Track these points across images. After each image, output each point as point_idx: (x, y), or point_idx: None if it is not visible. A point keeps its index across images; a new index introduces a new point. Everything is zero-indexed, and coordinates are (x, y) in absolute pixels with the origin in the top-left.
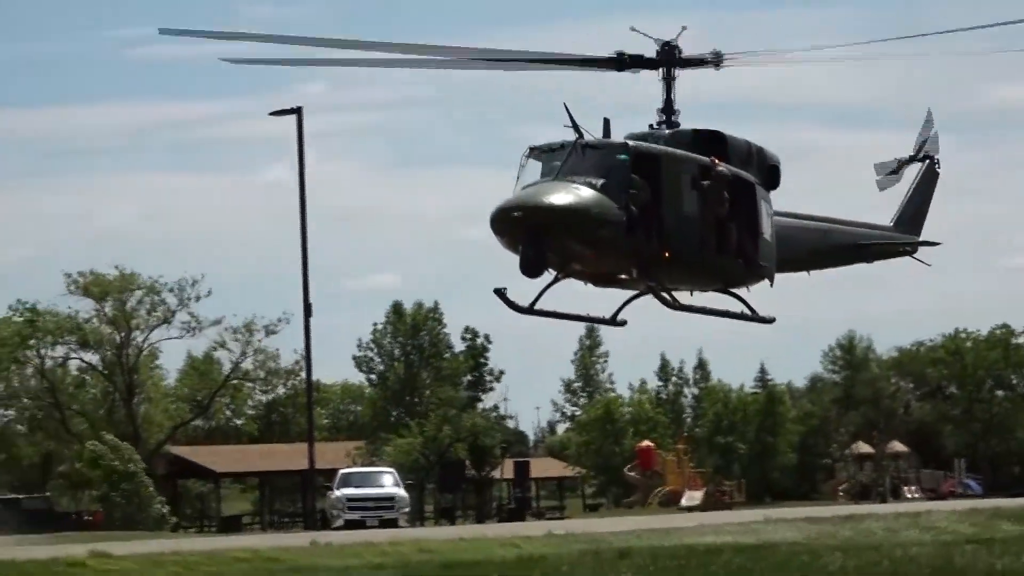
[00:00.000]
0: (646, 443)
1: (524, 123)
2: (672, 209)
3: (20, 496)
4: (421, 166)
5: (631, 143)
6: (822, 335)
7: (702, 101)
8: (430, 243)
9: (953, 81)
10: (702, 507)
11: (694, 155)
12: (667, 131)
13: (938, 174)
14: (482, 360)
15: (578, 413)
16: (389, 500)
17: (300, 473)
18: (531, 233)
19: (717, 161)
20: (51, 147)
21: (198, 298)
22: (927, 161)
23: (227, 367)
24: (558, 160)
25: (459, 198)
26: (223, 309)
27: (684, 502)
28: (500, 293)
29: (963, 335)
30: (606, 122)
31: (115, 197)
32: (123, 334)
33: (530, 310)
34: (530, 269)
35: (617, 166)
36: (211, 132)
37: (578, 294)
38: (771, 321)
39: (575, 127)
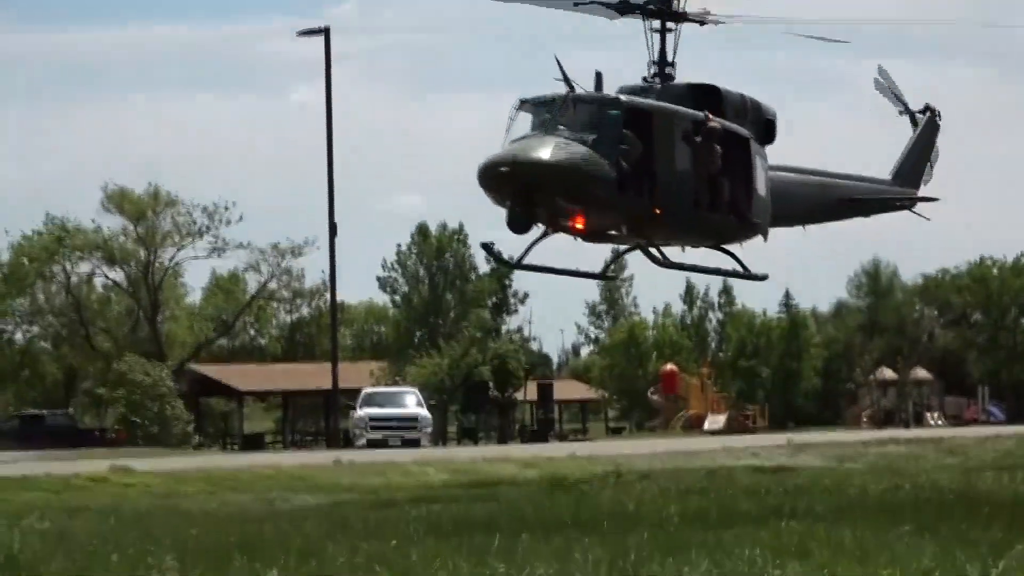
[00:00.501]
0: (670, 367)
1: (551, 47)
2: (664, 165)
3: (43, 413)
4: (448, 88)
5: (622, 98)
6: (847, 261)
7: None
8: (456, 165)
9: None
10: (725, 431)
11: (686, 110)
12: (660, 84)
13: (939, 126)
14: (506, 283)
15: (602, 336)
16: (412, 420)
17: (323, 393)
18: (519, 189)
19: (710, 116)
20: (81, 67)
21: (228, 222)
22: (928, 113)
23: (252, 287)
24: (548, 113)
25: (486, 120)
26: (250, 232)
27: (707, 426)
28: (487, 247)
29: (988, 262)
30: (598, 76)
31: (143, 117)
32: (150, 252)
33: (518, 265)
34: (517, 225)
35: (608, 121)
36: (239, 52)
37: (569, 246)
38: (763, 278)
39: (566, 80)
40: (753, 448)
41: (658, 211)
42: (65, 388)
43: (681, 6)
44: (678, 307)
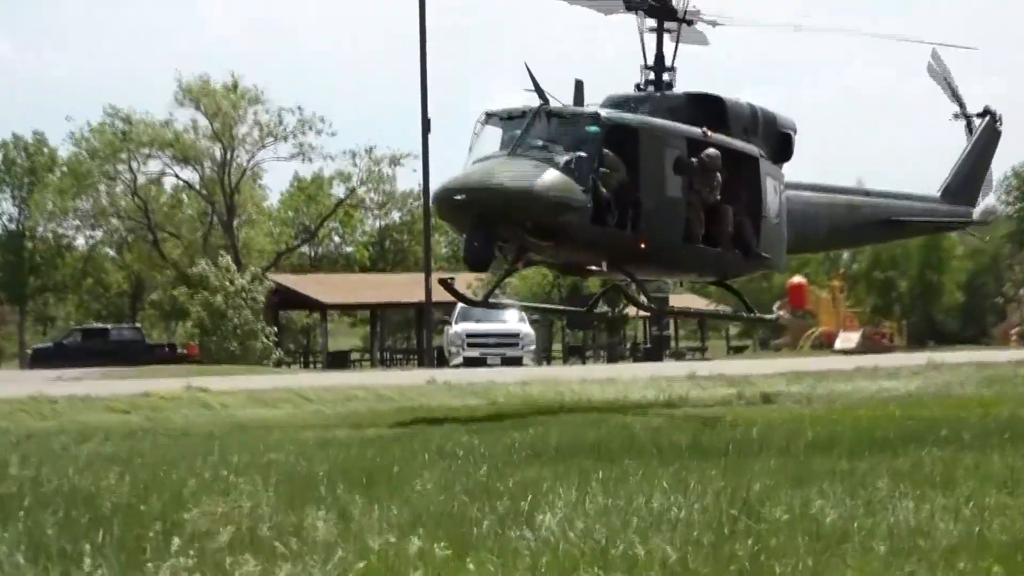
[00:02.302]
0: (798, 279)
1: None
2: (651, 191)
3: (108, 326)
4: None
5: (603, 112)
6: (995, 164)
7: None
8: (554, 59)
9: None
10: (859, 350)
11: (680, 126)
12: (655, 94)
13: (999, 133)
14: None
15: None
16: (513, 336)
17: (415, 306)
18: (479, 221)
19: (709, 132)
20: None
21: (319, 132)
22: (987, 117)
23: (339, 193)
24: (517, 129)
25: (581, 17)
26: (338, 145)
27: (839, 344)
28: (447, 285)
29: None
30: (578, 84)
31: (223, 8)
32: (227, 150)
33: (484, 303)
34: (476, 262)
35: (585, 139)
36: None
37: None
38: (772, 321)
39: (538, 91)
40: (890, 369)
41: (643, 245)
42: (131, 299)
43: (685, 5)
44: None
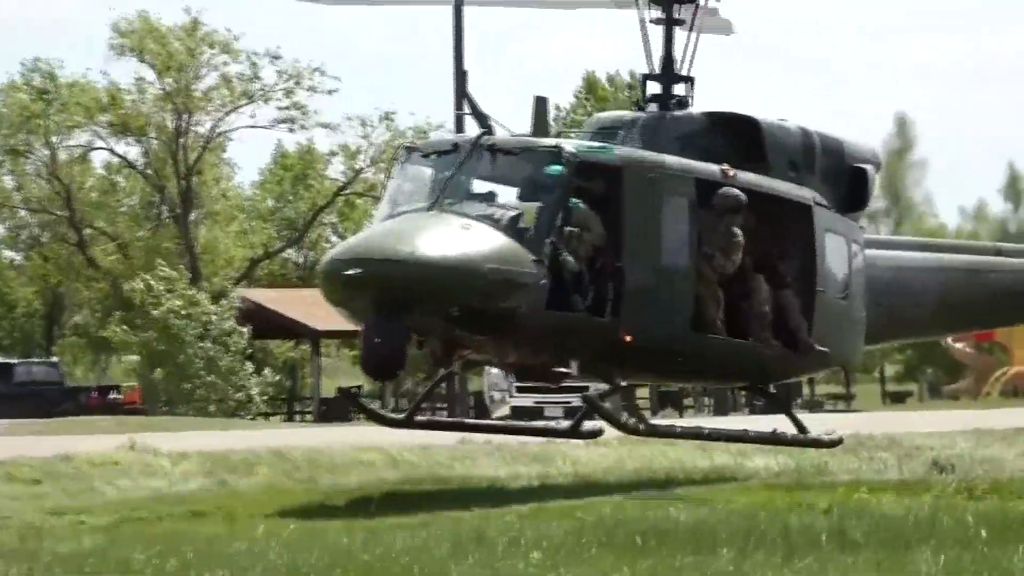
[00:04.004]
0: None
1: None
2: (641, 257)
3: (13, 361)
4: None
5: (569, 145)
6: None
7: None
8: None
9: None
10: None
11: (687, 162)
12: (659, 115)
13: None
14: None
15: None
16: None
17: None
18: (380, 307)
19: (732, 171)
20: None
21: (312, 89)
22: None
23: (339, 172)
24: (446, 171)
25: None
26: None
27: None
28: (350, 396)
29: None
30: (539, 103)
31: None
32: (183, 117)
33: (408, 422)
34: (378, 366)
35: (543, 185)
36: None
37: None
38: (832, 445)
39: (475, 112)
40: None
41: (628, 337)
42: (46, 323)
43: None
44: (997, 205)
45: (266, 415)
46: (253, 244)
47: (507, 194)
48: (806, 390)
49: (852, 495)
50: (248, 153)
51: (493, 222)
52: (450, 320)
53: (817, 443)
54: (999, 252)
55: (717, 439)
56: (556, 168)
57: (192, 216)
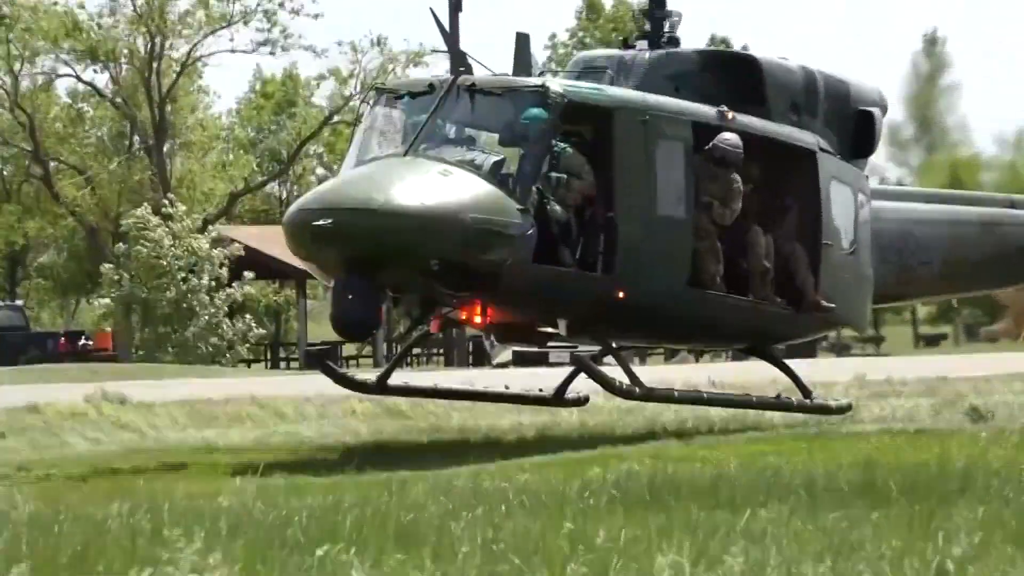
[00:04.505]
0: None
1: None
2: (635, 207)
3: None
4: None
5: (556, 85)
6: None
7: None
8: None
9: None
10: None
11: (683, 103)
12: (648, 53)
13: None
14: None
15: (905, 179)
16: None
17: None
18: (353, 262)
19: (731, 113)
20: None
21: (296, 11)
22: None
23: (326, 100)
24: (422, 114)
25: None
26: (327, 25)
27: None
28: (326, 367)
29: None
30: (521, 40)
31: None
32: (154, 39)
33: (380, 387)
34: (350, 324)
35: (527, 128)
36: None
37: None
38: (840, 412)
39: (452, 50)
40: None
41: (622, 294)
42: (9, 264)
43: None
44: None
45: (248, 362)
46: (233, 177)
47: (488, 138)
48: (832, 332)
49: (881, 445)
50: (226, 80)
51: (474, 168)
52: (428, 275)
53: (824, 410)
54: (1012, 204)
55: (718, 404)
56: (541, 110)
57: (166, 147)
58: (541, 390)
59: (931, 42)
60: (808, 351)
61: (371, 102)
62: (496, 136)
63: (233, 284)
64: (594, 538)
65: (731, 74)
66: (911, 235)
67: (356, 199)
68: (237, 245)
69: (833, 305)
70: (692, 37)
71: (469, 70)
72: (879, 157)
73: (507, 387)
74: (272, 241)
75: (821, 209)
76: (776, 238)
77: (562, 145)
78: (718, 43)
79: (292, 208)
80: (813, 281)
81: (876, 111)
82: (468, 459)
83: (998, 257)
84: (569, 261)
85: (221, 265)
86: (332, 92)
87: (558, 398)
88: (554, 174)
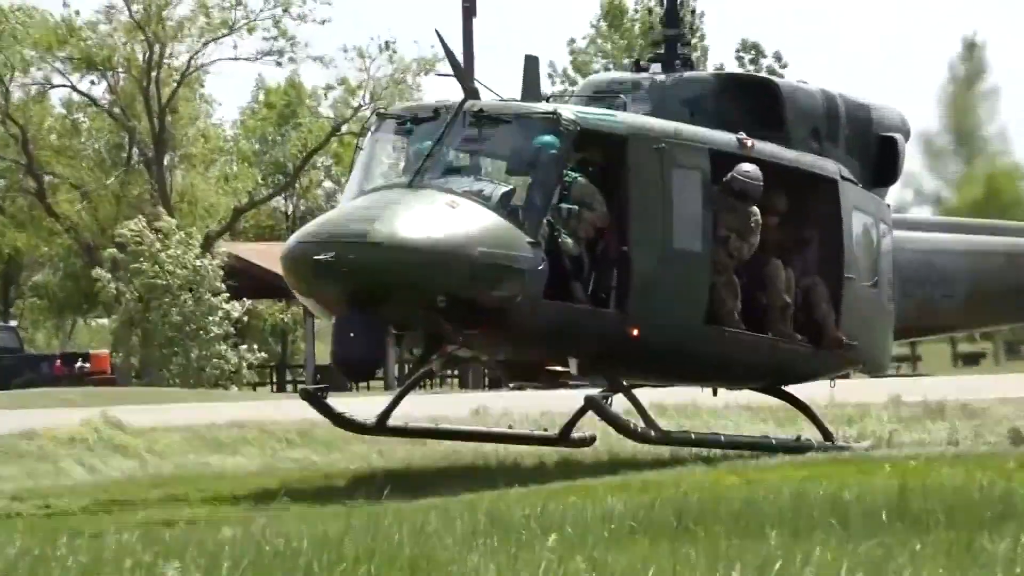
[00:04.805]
0: None
1: None
2: (650, 240)
3: None
4: None
5: (567, 111)
6: None
7: None
8: None
9: None
10: None
11: (700, 131)
12: (663, 76)
13: None
14: None
15: (941, 192)
16: None
17: None
18: (356, 298)
19: (749, 140)
20: None
21: (302, 18)
22: None
23: (331, 110)
24: (427, 141)
25: None
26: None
27: None
28: (311, 396)
29: None
30: (530, 62)
31: None
32: (152, 47)
33: (379, 428)
34: (354, 364)
35: (538, 157)
36: None
37: None
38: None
39: (458, 74)
40: None
41: (636, 331)
42: (2, 284)
43: None
44: None
45: (253, 385)
46: (236, 191)
47: (496, 167)
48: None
49: (918, 469)
50: (229, 90)
51: (482, 199)
52: (435, 311)
53: (847, 452)
54: None
55: (738, 447)
56: (552, 138)
57: (166, 160)
58: (546, 430)
59: (970, 46)
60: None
61: (372, 128)
62: (505, 165)
63: (232, 302)
64: (616, 569)
65: (749, 98)
66: (933, 266)
67: (359, 232)
68: (225, 250)
69: (855, 343)
70: (721, 41)
71: (476, 95)
72: (914, 166)
73: (511, 427)
74: (278, 258)
75: (843, 241)
76: (795, 271)
77: (573, 174)
78: (748, 47)
79: (291, 241)
80: (834, 317)
81: (899, 137)
82: (485, 485)
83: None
84: (581, 297)
85: (221, 283)
86: (337, 101)
87: (564, 438)
88: (565, 205)
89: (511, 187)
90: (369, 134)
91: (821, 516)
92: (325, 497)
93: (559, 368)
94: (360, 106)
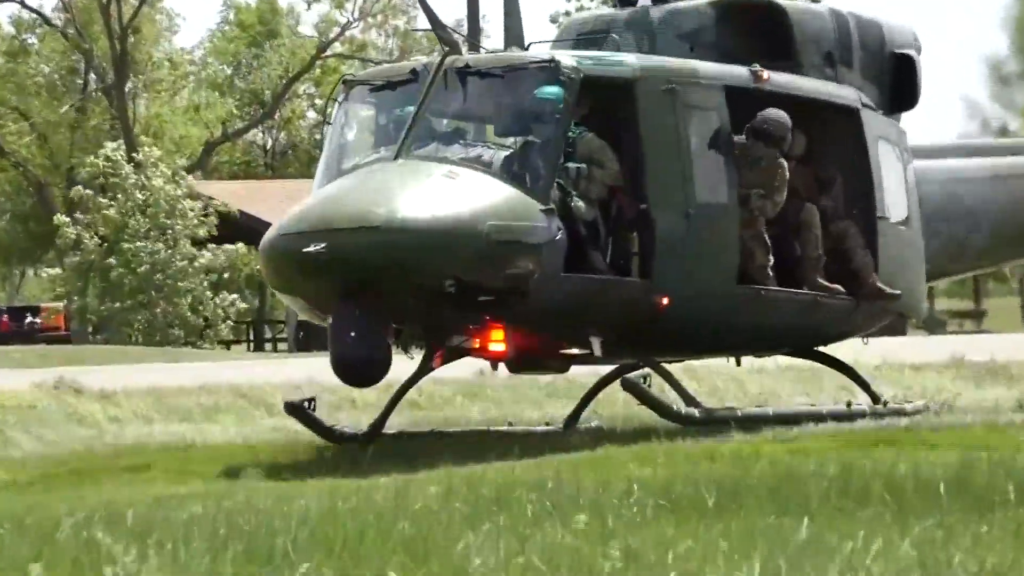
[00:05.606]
0: None
1: None
2: (671, 196)
3: None
4: None
5: (565, 60)
6: None
7: None
8: None
9: None
10: None
11: (712, 66)
12: (654, 9)
13: None
14: None
15: (1012, 124)
16: None
17: None
18: (353, 294)
19: (765, 72)
20: None
21: None
22: None
23: (310, 28)
24: (408, 106)
25: None
26: None
27: None
28: (296, 409)
29: None
30: (509, 4)
31: None
32: None
33: (373, 434)
34: (358, 369)
35: (539, 112)
36: None
37: None
38: (916, 413)
39: (435, 27)
40: None
41: (665, 300)
42: None
43: None
44: None
45: (227, 343)
46: (208, 122)
47: (492, 129)
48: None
49: (983, 439)
50: (197, 7)
51: (483, 166)
52: (442, 299)
53: (900, 414)
54: None
55: (787, 422)
56: (554, 90)
57: (128, 86)
58: (548, 423)
59: None
60: (895, 329)
61: (340, 97)
62: (501, 125)
63: (216, 250)
64: (640, 552)
65: (753, 26)
66: (957, 198)
67: (352, 217)
68: (217, 201)
69: (898, 292)
70: None
71: (458, 48)
72: (981, 96)
73: (511, 423)
74: (255, 198)
75: (872, 177)
76: (825, 214)
77: (579, 128)
78: None
79: (271, 234)
80: (872, 263)
81: (914, 54)
82: (489, 457)
83: None
84: (602, 267)
85: (197, 225)
86: (321, 19)
87: (569, 430)
88: (573, 164)
89: (512, 150)
90: (337, 105)
91: (872, 492)
92: (308, 471)
93: (575, 351)
94: (349, 22)
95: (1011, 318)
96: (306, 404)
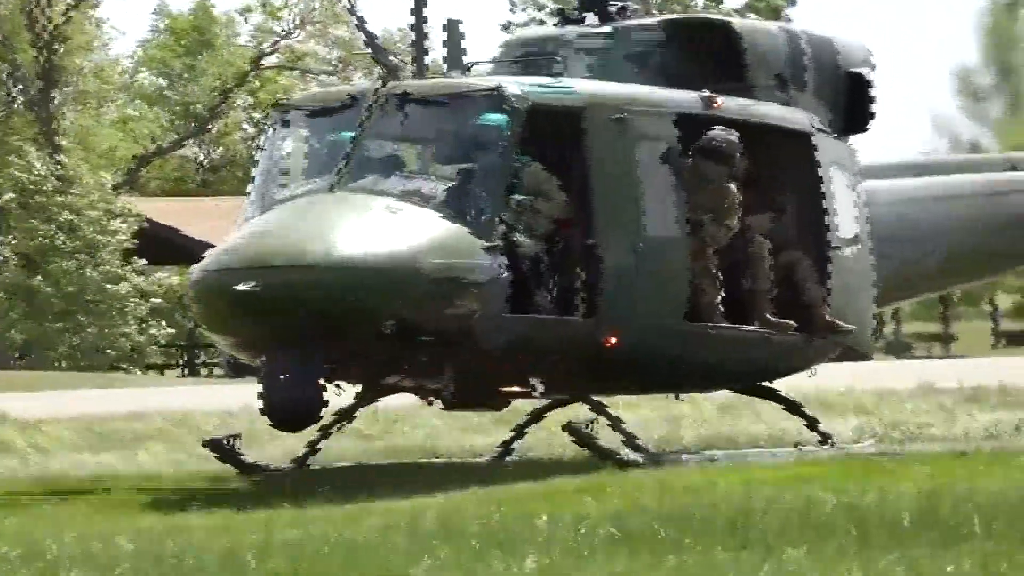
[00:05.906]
0: None
1: None
2: (619, 229)
3: None
4: None
5: (511, 87)
6: None
7: None
8: None
9: None
10: None
11: (661, 92)
12: (599, 28)
13: None
14: None
15: (980, 137)
16: None
17: None
18: (287, 336)
19: (717, 100)
20: None
21: None
22: None
23: (246, 37)
24: (344, 132)
25: None
26: None
27: None
28: (219, 446)
29: None
30: (450, 26)
31: None
32: None
33: (298, 470)
34: (291, 414)
35: (482, 141)
36: None
37: None
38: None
39: (373, 50)
40: None
41: (613, 339)
42: None
43: None
44: None
45: (157, 368)
46: (139, 136)
47: (433, 160)
48: (889, 328)
49: (950, 469)
50: (129, 17)
51: (423, 200)
52: (380, 340)
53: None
54: (1014, 166)
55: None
56: (497, 117)
57: (55, 98)
58: (481, 456)
59: None
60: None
61: (272, 122)
62: (443, 156)
63: (152, 273)
64: None
65: (703, 46)
66: (908, 219)
67: (287, 254)
68: (137, 217)
69: (851, 327)
70: None
71: (398, 74)
72: (949, 108)
73: (437, 456)
74: (187, 216)
75: (824, 205)
76: (775, 243)
77: (524, 158)
78: None
79: (200, 270)
80: (823, 296)
81: (868, 73)
82: (434, 488)
83: (1011, 229)
84: (545, 305)
85: (124, 245)
86: (257, 28)
87: (503, 458)
88: (517, 196)
89: (454, 183)
90: (269, 129)
91: (835, 524)
92: (243, 502)
93: (514, 389)
94: (287, 32)
95: (981, 342)
96: (226, 441)
